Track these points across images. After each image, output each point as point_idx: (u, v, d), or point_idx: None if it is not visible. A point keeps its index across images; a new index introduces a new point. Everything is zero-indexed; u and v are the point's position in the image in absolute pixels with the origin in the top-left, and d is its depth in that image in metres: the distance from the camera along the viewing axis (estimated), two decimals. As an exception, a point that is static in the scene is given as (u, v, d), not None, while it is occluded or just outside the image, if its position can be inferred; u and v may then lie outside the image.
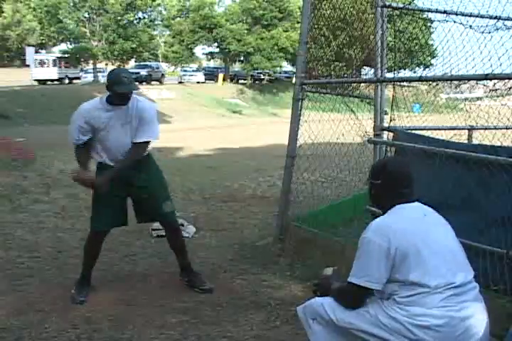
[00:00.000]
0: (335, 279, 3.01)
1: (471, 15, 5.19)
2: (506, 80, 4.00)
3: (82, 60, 50.24)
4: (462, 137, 5.64)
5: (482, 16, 5.22)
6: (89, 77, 47.04)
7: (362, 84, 6.19)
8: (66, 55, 46.74)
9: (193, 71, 54.75)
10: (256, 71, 53.24)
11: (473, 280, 2.72)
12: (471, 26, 5.02)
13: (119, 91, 4.23)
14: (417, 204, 2.85)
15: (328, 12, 5.86)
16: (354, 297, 2.74)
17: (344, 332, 2.80)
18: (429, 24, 6.35)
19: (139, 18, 51.39)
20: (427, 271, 2.58)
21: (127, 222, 4.75)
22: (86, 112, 4.39)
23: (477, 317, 2.59)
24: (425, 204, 2.87)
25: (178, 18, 53.14)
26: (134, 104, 4.38)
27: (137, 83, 4.85)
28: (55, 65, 43.73)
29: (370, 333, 2.68)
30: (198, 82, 50.24)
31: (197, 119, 30.17)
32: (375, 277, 2.63)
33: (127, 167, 4.41)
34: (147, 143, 4.47)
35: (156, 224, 6.07)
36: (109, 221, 4.61)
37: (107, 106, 4.36)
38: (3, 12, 52.93)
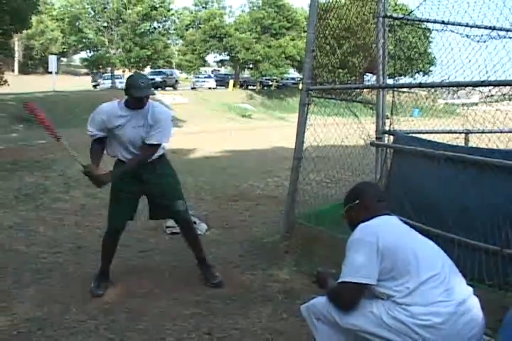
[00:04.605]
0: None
1: (467, 26, 5.21)
2: (501, 86, 4.00)
3: (100, 67, 50.45)
4: (458, 140, 5.64)
5: (478, 26, 5.24)
6: (107, 84, 47.11)
7: (364, 90, 6.20)
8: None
9: (205, 77, 54.74)
10: (264, 77, 53.17)
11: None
12: (467, 35, 5.04)
13: (135, 95, 4.25)
14: (392, 216, 2.89)
15: (333, 22, 5.87)
16: (350, 296, 2.65)
17: (350, 333, 2.75)
18: (427, 33, 6.37)
19: (154, 28, 51.49)
20: (417, 265, 2.56)
21: (134, 217, 4.74)
22: (104, 112, 4.40)
23: (474, 310, 2.58)
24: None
25: (191, 29, 53.20)
26: (150, 109, 4.38)
27: (153, 89, 4.79)
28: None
29: (375, 334, 2.62)
30: (210, 88, 50.23)
31: (208, 123, 30.15)
32: (368, 272, 2.59)
33: (135, 166, 4.38)
34: (157, 145, 4.42)
35: (170, 222, 6.09)
36: (123, 217, 4.63)
37: (125, 109, 4.38)
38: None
